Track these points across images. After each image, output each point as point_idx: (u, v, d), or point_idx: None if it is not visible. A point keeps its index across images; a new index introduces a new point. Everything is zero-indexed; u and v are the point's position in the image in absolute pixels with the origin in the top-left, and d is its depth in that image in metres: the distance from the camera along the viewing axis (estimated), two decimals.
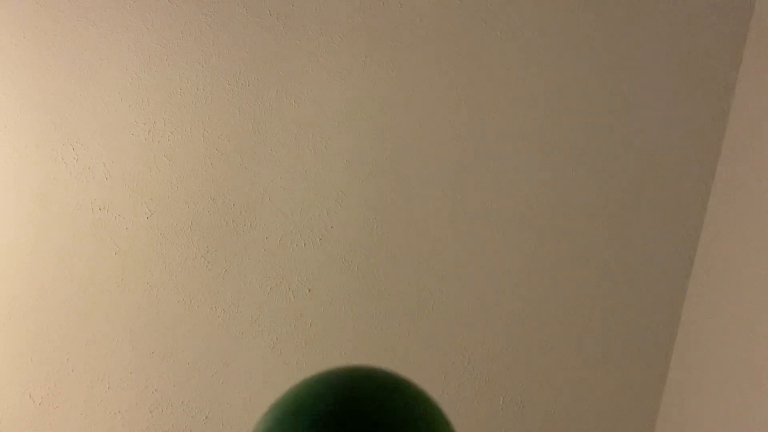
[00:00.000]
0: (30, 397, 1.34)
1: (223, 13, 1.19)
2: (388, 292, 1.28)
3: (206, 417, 1.35)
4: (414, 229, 1.27)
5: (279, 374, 1.32)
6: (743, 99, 1.16)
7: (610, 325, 1.28)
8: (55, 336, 1.32)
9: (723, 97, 1.19)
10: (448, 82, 1.22)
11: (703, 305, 1.21)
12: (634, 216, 1.25)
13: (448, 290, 1.27)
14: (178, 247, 1.28)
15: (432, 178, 1.25)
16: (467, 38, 1.20)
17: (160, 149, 1.24)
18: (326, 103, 1.23)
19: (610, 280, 1.27)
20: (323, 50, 1.21)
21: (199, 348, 1.33)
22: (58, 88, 1.21)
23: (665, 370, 1.30)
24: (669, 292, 1.27)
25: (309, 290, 1.29)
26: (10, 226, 1.27)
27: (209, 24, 1.20)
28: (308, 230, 1.28)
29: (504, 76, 1.21)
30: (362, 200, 1.26)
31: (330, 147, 1.24)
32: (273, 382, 1.32)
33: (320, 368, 1.27)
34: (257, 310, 1.31)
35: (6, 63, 1.21)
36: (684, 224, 1.25)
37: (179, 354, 1.33)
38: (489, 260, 1.27)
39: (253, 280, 1.30)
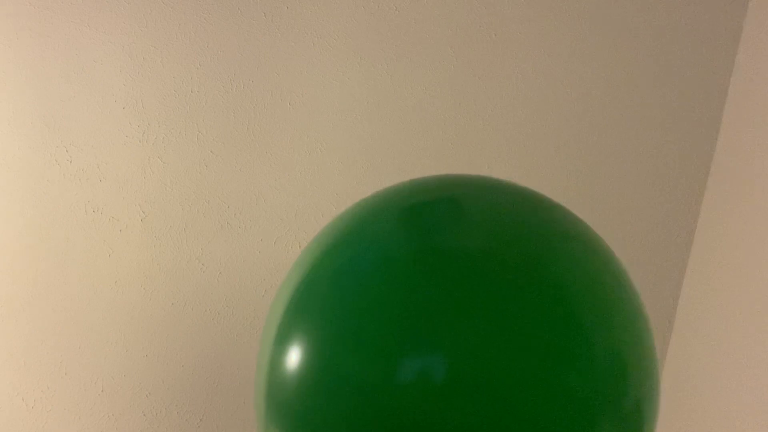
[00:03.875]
0: (23, 400, 1.33)
1: (217, 14, 1.19)
2: None
3: (200, 420, 1.35)
4: None
5: None
6: (738, 96, 1.16)
7: None
8: (48, 339, 1.31)
9: (718, 93, 1.20)
10: (444, 84, 1.21)
11: (698, 306, 1.21)
12: (628, 215, 1.25)
13: None
14: (172, 250, 1.28)
15: None
16: (463, 40, 1.20)
17: (154, 151, 1.24)
18: (321, 104, 1.22)
19: None
20: (318, 52, 1.21)
21: (194, 351, 1.32)
22: (51, 89, 1.21)
23: (660, 370, 1.30)
24: (665, 291, 1.27)
25: None
26: (2, 229, 1.26)
27: (204, 26, 1.19)
28: (303, 232, 1.27)
29: (500, 78, 1.21)
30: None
31: (325, 149, 1.24)
32: None
33: None
34: (252, 313, 1.30)
35: None
36: (679, 222, 1.25)
37: (173, 357, 1.32)
38: None
39: (248, 282, 1.29)
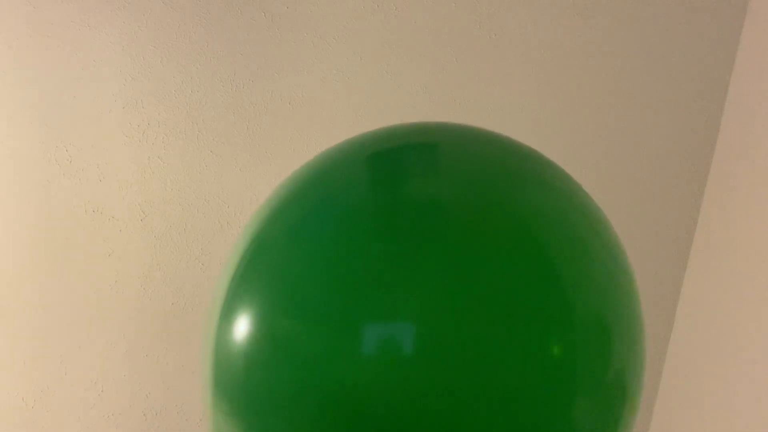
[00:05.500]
0: (23, 400, 1.33)
1: (217, 14, 1.19)
2: None
3: (200, 420, 1.35)
4: None
5: None
6: (738, 95, 1.16)
7: None
8: (48, 339, 1.31)
9: (718, 93, 1.19)
10: (444, 84, 1.21)
11: (698, 306, 1.21)
12: (628, 215, 1.25)
13: None
14: (172, 249, 1.28)
15: None
16: (462, 41, 1.20)
17: (153, 151, 1.24)
18: (321, 104, 1.22)
19: None
20: (318, 52, 1.21)
21: (194, 351, 1.32)
22: (51, 89, 1.21)
23: (660, 368, 1.30)
24: (665, 291, 1.27)
25: None
26: (2, 229, 1.26)
27: (204, 25, 1.19)
28: None
29: (500, 78, 1.21)
30: None
31: (325, 149, 1.24)
32: None
33: None
34: None
35: None
36: (679, 222, 1.25)
37: (173, 357, 1.32)
38: None
39: None
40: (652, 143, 1.22)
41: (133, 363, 1.32)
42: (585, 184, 1.27)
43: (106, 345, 1.31)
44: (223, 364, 0.32)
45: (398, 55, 1.21)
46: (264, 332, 0.30)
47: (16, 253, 1.27)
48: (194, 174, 1.25)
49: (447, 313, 0.27)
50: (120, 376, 1.33)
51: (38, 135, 1.23)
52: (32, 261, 1.28)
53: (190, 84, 1.21)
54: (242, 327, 0.31)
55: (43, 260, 1.28)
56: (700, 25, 1.17)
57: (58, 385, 1.33)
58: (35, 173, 1.24)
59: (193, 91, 1.22)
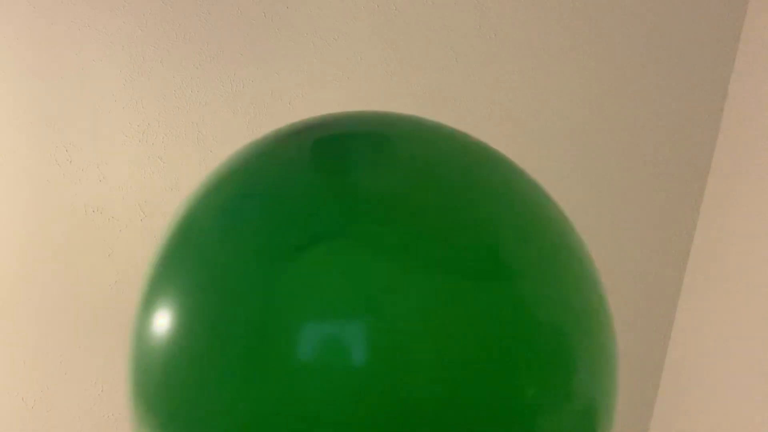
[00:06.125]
0: (23, 400, 1.33)
1: (217, 14, 1.19)
2: None
3: None
4: None
5: None
6: (738, 96, 1.16)
7: None
8: (48, 339, 1.31)
9: (718, 93, 1.19)
10: (444, 84, 1.21)
11: (698, 306, 1.21)
12: (628, 215, 1.25)
13: None
14: None
15: None
16: (462, 41, 1.20)
17: (154, 151, 1.24)
18: (321, 104, 1.22)
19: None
20: (318, 52, 1.21)
21: None
22: (51, 89, 1.21)
23: (659, 370, 1.30)
24: (665, 291, 1.27)
25: None
26: (2, 229, 1.26)
27: (203, 25, 1.19)
28: None
29: (499, 78, 1.21)
30: None
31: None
32: None
33: None
34: None
35: None
36: (679, 222, 1.25)
37: None
38: None
39: None
40: (652, 143, 1.22)
41: None
42: (585, 184, 1.28)
43: (106, 345, 1.31)
44: (143, 368, 0.26)
45: (398, 55, 1.21)
46: (185, 327, 0.25)
47: (16, 254, 1.27)
48: (194, 174, 1.25)
49: (404, 319, 0.23)
50: (120, 376, 1.32)
51: (38, 135, 1.23)
52: (32, 261, 1.28)
53: (190, 84, 1.21)
54: (162, 321, 0.25)
55: (43, 260, 1.28)
56: (700, 25, 1.17)
57: (58, 385, 1.33)
58: (35, 173, 1.24)
59: (193, 91, 1.22)
